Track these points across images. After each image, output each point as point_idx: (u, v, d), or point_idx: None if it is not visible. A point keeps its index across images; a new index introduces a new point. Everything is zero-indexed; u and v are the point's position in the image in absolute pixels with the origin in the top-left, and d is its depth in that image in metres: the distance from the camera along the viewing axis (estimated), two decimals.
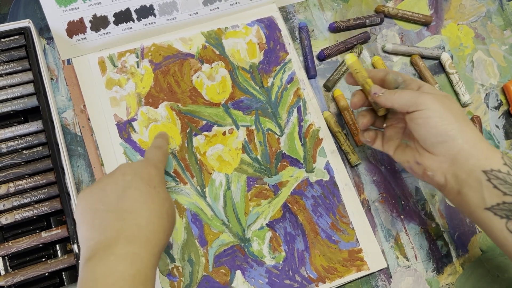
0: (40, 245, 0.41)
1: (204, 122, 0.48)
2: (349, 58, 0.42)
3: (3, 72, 0.45)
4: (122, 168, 0.36)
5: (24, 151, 0.43)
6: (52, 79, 0.49)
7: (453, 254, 0.48)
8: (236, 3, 0.53)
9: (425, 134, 0.37)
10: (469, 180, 0.35)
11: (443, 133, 0.36)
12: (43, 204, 0.42)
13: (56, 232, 0.41)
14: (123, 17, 0.50)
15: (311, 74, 0.52)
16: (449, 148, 0.36)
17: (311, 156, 0.48)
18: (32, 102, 0.45)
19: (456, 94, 0.54)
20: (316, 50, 0.54)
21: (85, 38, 0.50)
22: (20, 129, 0.44)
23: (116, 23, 0.50)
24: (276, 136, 0.49)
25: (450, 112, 0.36)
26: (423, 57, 0.55)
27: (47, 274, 0.40)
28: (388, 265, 0.46)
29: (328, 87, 0.52)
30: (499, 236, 0.34)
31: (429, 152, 0.38)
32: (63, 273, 0.42)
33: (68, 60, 0.49)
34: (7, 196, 0.42)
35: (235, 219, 0.45)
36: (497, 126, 0.54)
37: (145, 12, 0.51)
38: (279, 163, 0.48)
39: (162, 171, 0.39)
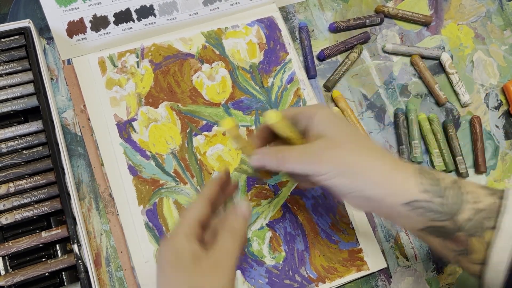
0: (40, 245, 0.41)
1: (204, 122, 0.48)
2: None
3: (3, 72, 0.46)
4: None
5: (24, 151, 0.43)
6: (52, 79, 0.49)
7: None
8: (236, 3, 0.53)
9: (332, 191, 0.34)
10: (393, 213, 0.33)
11: (346, 188, 0.33)
12: (43, 204, 0.42)
13: (56, 232, 0.41)
14: (123, 17, 0.50)
15: (311, 74, 0.52)
16: (361, 196, 0.33)
17: None
18: (32, 102, 0.45)
19: (456, 94, 0.54)
20: (316, 50, 0.54)
21: (85, 38, 0.50)
22: (20, 129, 0.44)
23: (116, 23, 0.50)
24: None
25: (348, 159, 0.32)
26: (423, 57, 0.55)
27: (47, 274, 0.40)
28: (388, 265, 0.46)
29: (328, 87, 0.52)
30: (438, 248, 0.34)
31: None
32: (63, 273, 0.42)
33: (68, 60, 0.49)
34: (7, 196, 0.42)
35: None
36: (497, 126, 0.54)
37: (145, 12, 0.51)
38: None
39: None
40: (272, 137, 0.38)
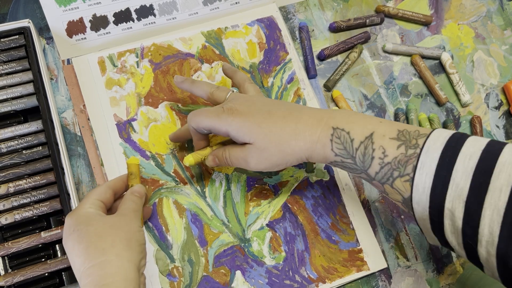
0: (40, 245, 0.41)
1: None
2: (189, 160, 0.41)
3: (2, 72, 0.45)
4: None
5: (24, 151, 0.43)
6: (52, 79, 0.49)
7: (453, 254, 0.48)
8: (236, 3, 0.53)
9: None
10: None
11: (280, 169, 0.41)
12: (43, 204, 0.42)
13: (56, 232, 0.41)
14: (123, 17, 0.50)
15: (311, 74, 0.52)
16: (292, 157, 0.38)
17: None
18: (32, 102, 0.45)
19: (457, 94, 0.54)
20: (316, 50, 0.54)
21: (85, 38, 0.50)
22: (20, 129, 0.44)
23: (116, 23, 0.50)
24: None
25: (276, 156, 0.38)
26: (423, 57, 0.55)
27: (47, 274, 0.40)
28: (388, 265, 0.46)
29: (328, 87, 0.52)
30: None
31: None
32: (63, 273, 0.42)
33: (68, 60, 0.49)
34: (6, 196, 0.42)
35: (235, 219, 0.45)
36: (497, 126, 0.54)
37: (145, 12, 0.50)
38: None
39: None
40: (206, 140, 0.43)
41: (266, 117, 0.38)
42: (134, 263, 0.35)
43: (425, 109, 0.53)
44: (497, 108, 0.55)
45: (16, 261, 0.41)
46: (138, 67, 0.49)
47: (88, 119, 0.47)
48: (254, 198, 0.46)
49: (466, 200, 0.30)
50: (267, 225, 0.45)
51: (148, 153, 0.46)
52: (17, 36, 0.47)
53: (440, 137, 0.33)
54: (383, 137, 0.35)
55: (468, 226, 0.31)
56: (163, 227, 0.44)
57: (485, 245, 0.30)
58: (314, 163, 0.48)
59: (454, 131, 0.34)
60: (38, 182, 0.42)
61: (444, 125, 0.52)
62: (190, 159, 0.41)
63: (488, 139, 0.32)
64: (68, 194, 0.43)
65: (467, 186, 0.31)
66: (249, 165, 0.39)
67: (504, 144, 0.31)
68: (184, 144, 0.47)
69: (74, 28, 0.49)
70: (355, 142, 0.36)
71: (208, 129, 0.39)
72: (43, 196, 0.42)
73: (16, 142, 0.43)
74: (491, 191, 0.29)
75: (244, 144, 0.39)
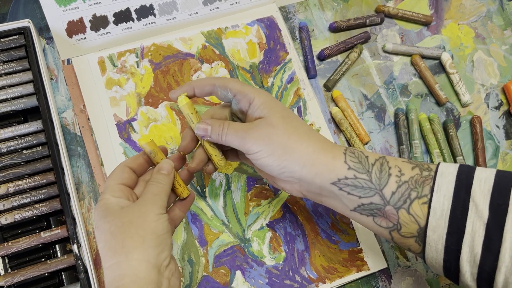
0: (40, 245, 0.41)
1: None
2: (181, 101, 0.36)
3: (2, 72, 0.45)
4: None
5: (23, 151, 0.43)
6: (52, 79, 0.49)
7: None
8: (236, 3, 0.53)
9: (264, 170, 0.36)
10: (324, 193, 0.36)
11: (277, 168, 0.35)
12: (42, 204, 0.42)
13: (56, 232, 0.41)
14: (123, 17, 0.50)
15: (311, 74, 0.52)
16: (291, 176, 0.35)
17: None
18: (32, 102, 0.45)
19: (457, 94, 0.54)
20: (316, 50, 0.54)
21: (85, 38, 0.50)
22: (20, 129, 0.44)
23: (116, 23, 0.50)
24: None
25: (280, 139, 0.34)
26: (423, 57, 0.55)
27: (47, 274, 0.40)
28: (388, 265, 0.46)
29: (328, 87, 0.52)
30: (372, 228, 0.36)
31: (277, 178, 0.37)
32: (63, 273, 0.42)
33: (68, 60, 0.49)
34: (6, 196, 0.42)
35: (235, 219, 0.45)
36: (497, 126, 0.54)
37: (145, 12, 0.50)
38: None
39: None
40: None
41: (289, 113, 0.36)
42: (147, 260, 0.32)
43: (425, 109, 0.53)
44: (497, 108, 0.55)
45: (16, 261, 0.41)
46: (138, 67, 0.49)
47: (88, 119, 0.47)
48: (254, 198, 0.46)
49: (487, 222, 0.30)
50: (267, 225, 0.45)
51: None
52: (17, 36, 0.47)
53: (450, 165, 0.33)
54: (395, 159, 0.35)
55: (488, 251, 0.30)
56: None
57: (504, 271, 0.29)
58: None
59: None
60: (38, 182, 0.42)
61: (444, 125, 0.52)
62: (184, 99, 0.36)
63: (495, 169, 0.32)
64: (68, 194, 0.43)
65: (486, 207, 0.30)
66: (245, 144, 0.35)
67: None
68: None
69: (74, 28, 0.49)
70: (370, 158, 0.35)
71: (236, 91, 0.36)
72: (43, 196, 0.42)
73: (16, 142, 0.43)
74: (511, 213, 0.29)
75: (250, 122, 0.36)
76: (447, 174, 0.32)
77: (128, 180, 0.36)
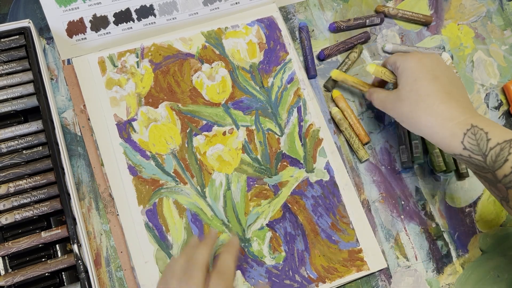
0: (40, 245, 0.41)
1: (204, 122, 0.48)
2: (370, 67, 0.46)
3: (3, 72, 0.45)
4: None
5: (24, 151, 0.43)
6: (52, 79, 0.49)
7: (453, 254, 0.48)
8: (236, 3, 0.53)
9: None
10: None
11: (411, 130, 0.42)
12: (43, 204, 0.42)
13: (56, 232, 0.41)
14: (123, 17, 0.50)
15: (311, 74, 0.52)
16: (416, 127, 0.41)
17: (311, 156, 0.48)
18: (32, 102, 0.45)
19: None
20: (316, 50, 0.54)
21: (85, 38, 0.50)
22: (20, 129, 0.44)
23: (116, 23, 0.50)
24: (276, 136, 0.49)
25: (405, 112, 0.41)
26: None
27: (47, 274, 0.40)
28: (388, 265, 0.46)
29: (328, 87, 0.52)
30: (485, 187, 0.40)
31: None
32: (63, 273, 0.42)
33: (68, 60, 0.49)
34: (7, 196, 0.42)
35: (235, 219, 0.45)
36: None
37: (145, 12, 0.51)
38: (279, 163, 0.48)
39: None
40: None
41: (431, 80, 0.40)
42: None
43: None
44: (497, 108, 0.55)
45: (16, 261, 0.41)
46: (138, 67, 0.49)
47: (88, 119, 0.47)
48: (254, 198, 0.46)
49: None
50: (267, 225, 0.45)
51: (148, 153, 0.46)
52: (17, 36, 0.47)
53: None
54: None
55: None
56: (163, 227, 0.44)
57: None
58: (315, 163, 0.48)
59: None
60: (38, 182, 0.42)
61: None
62: (373, 67, 0.46)
63: None
64: (68, 194, 0.43)
65: None
66: (384, 110, 0.44)
67: None
68: (184, 144, 0.47)
69: (74, 28, 0.49)
70: (492, 141, 0.36)
71: (391, 62, 0.44)
72: (43, 196, 0.42)
73: (16, 142, 0.43)
74: None
75: (393, 89, 0.44)
76: None
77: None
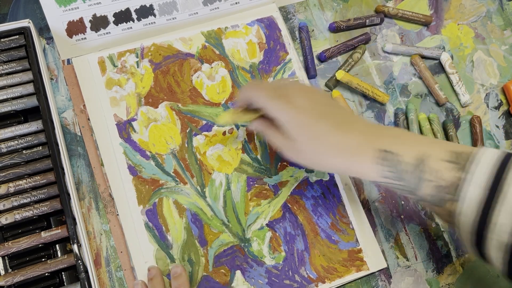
0: (40, 245, 0.41)
1: (204, 122, 0.48)
2: (221, 118, 0.41)
3: (3, 72, 0.45)
4: None
5: (24, 151, 0.43)
6: (52, 79, 0.49)
7: (453, 254, 0.48)
8: (236, 3, 0.53)
9: None
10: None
11: (317, 164, 0.38)
12: (43, 204, 0.42)
13: (56, 232, 0.41)
14: (123, 17, 0.50)
15: (311, 74, 0.52)
16: (330, 171, 0.41)
17: None
18: (32, 102, 0.45)
19: (456, 94, 0.54)
20: (316, 50, 0.54)
21: (85, 38, 0.50)
22: (20, 129, 0.44)
23: (116, 23, 0.50)
24: None
25: (308, 159, 0.38)
26: (423, 57, 0.55)
27: (47, 274, 0.40)
28: (388, 265, 0.46)
29: (330, 86, 0.52)
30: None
31: None
32: (63, 273, 0.42)
33: (68, 60, 0.49)
34: (7, 196, 0.42)
35: (235, 219, 0.45)
36: (497, 126, 0.54)
37: (145, 12, 0.51)
38: (279, 163, 0.48)
39: None
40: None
41: (318, 120, 0.37)
42: None
43: (425, 109, 0.53)
44: (497, 108, 0.55)
45: (16, 261, 0.41)
46: (138, 67, 0.49)
47: (88, 119, 0.47)
48: (254, 198, 0.46)
49: None
50: (267, 225, 0.45)
51: (148, 153, 0.46)
52: (17, 36, 0.47)
53: (493, 154, 0.32)
54: (436, 160, 0.34)
55: None
56: (163, 227, 0.44)
57: None
58: None
59: (507, 151, 0.33)
60: (38, 182, 0.42)
61: (444, 125, 0.52)
62: (226, 117, 0.40)
63: None
64: (68, 194, 0.43)
65: None
66: (283, 154, 0.39)
67: None
68: (184, 144, 0.47)
69: (74, 28, 0.49)
70: (406, 165, 0.34)
71: (259, 107, 0.39)
72: (43, 196, 0.42)
73: (16, 142, 0.43)
74: None
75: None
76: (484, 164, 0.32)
77: None
